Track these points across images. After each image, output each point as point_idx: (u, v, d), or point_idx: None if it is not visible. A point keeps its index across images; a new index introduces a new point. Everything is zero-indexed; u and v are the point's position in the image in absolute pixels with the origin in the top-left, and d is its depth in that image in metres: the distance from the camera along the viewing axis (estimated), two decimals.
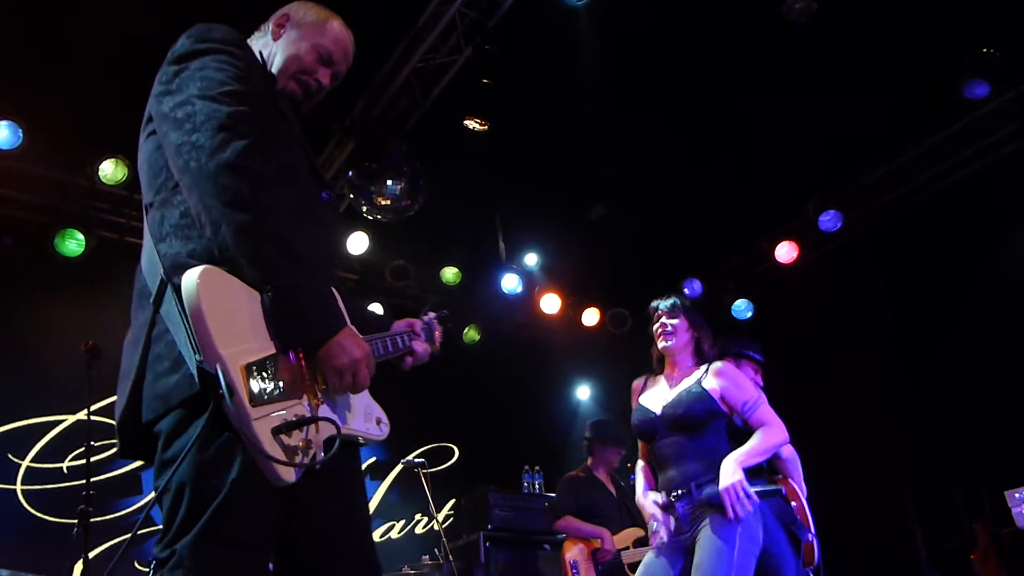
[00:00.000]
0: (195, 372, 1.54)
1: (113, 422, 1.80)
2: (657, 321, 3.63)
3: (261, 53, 2.08)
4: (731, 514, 3.12)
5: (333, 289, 1.86)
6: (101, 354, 4.52)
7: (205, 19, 1.92)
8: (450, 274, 8.08)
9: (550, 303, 8.39)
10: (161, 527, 1.63)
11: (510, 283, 8.13)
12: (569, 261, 8.36)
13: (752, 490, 3.18)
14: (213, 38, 1.85)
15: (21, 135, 5.65)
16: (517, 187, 7.12)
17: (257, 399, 1.56)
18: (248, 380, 1.56)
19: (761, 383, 4.37)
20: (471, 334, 8.20)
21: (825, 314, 7.43)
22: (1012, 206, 6.54)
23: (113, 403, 1.83)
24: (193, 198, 1.67)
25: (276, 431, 1.58)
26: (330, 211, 2.04)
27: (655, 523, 3.37)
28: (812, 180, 7.40)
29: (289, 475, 1.59)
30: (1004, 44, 6.11)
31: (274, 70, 2.06)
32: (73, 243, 6.12)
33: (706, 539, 3.16)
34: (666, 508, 3.37)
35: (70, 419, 6.02)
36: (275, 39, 2.10)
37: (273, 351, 1.64)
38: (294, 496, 1.67)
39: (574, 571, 5.44)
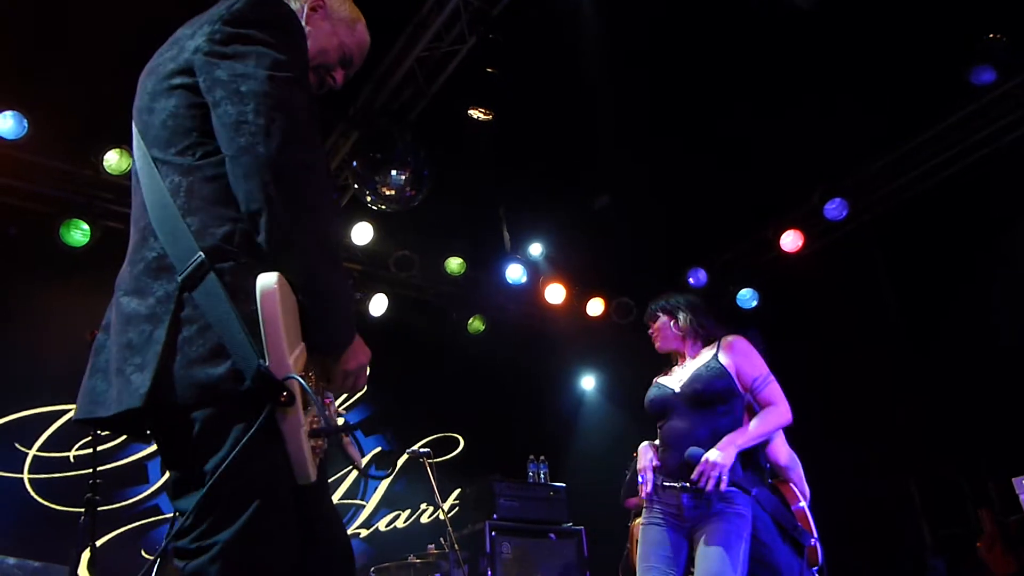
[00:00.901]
0: (245, 371, 1.51)
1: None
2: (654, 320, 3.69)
3: None
4: (702, 483, 3.14)
5: None
6: None
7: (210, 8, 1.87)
8: (454, 264, 8.08)
9: (555, 293, 8.39)
10: (172, 515, 1.64)
11: (515, 273, 8.12)
12: (574, 251, 8.35)
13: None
14: (280, 12, 1.76)
15: (26, 125, 5.65)
16: (521, 177, 7.10)
17: (308, 406, 1.59)
18: (300, 386, 1.55)
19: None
20: (476, 324, 8.20)
21: (830, 303, 7.40)
22: (1019, 193, 6.50)
23: None
24: (249, 184, 1.57)
25: (311, 435, 1.61)
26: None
27: (643, 477, 3.39)
28: (818, 168, 7.37)
29: (314, 472, 1.63)
30: (1011, 30, 6.07)
31: None
32: (78, 233, 6.14)
33: (714, 535, 3.15)
34: (666, 489, 3.34)
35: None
36: (307, 22, 1.99)
37: (307, 354, 1.64)
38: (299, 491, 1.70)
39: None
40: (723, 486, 3.11)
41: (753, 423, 3.31)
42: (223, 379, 1.54)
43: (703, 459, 3.16)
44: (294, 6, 1.98)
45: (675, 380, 3.50)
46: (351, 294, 1.72)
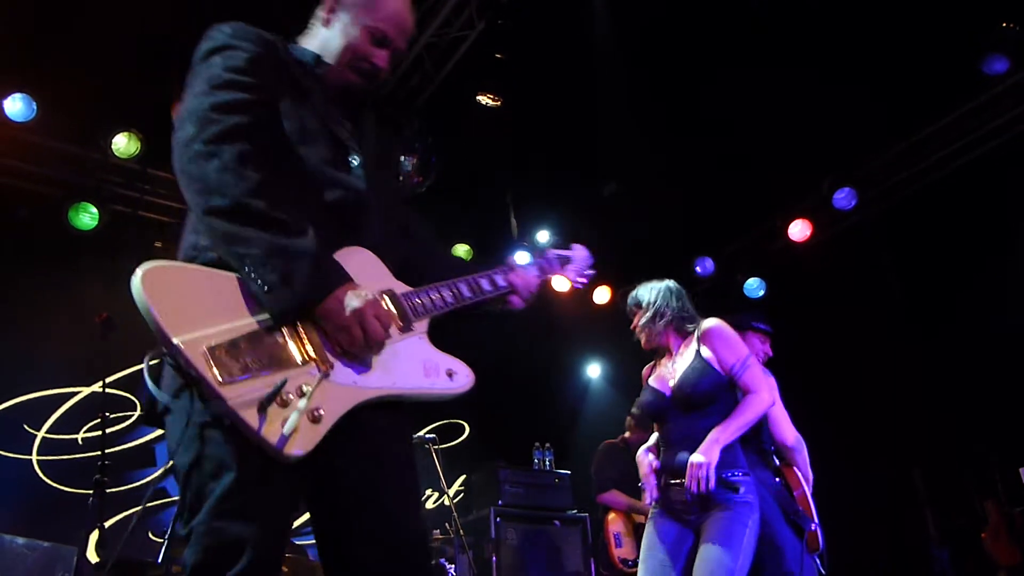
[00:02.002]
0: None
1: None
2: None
3: (316, 53, 2.03)
4: (691, 486, 3.14)
5: (363, 253, 1.86)
6: (115, 326, 4.54)
7: None
8: (461, 251, 8.08)
9: (561, 280, 8.36)
10: (175, 498, 1.68)
11: (521, 260, 8.09)
12: (581, 239, 8.30)
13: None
14: (218, 37, 1.86)
15: (35, 108, 5.66)
16: (529, 164, 7.08)
17: (227, 379, 1.53)
18: (213, 362, 1.53)
19: (770, 353, 4.34)
20: None
21: (838, 293, 7.38)
22: None
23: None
24: (185, 192, 1.71)
25: (262, 406, 1.54)
26: (355, 183, 1.94)
27: (646, 485, 3.40)
28: (827, 157, 7.32)
29: (294, 447, 1.56)
30: None
31: (331, 61, 2.00)
32: (87, 216, 6.15)
33: (717, 526, 3.16)
34: (671, 487, 3.37)
35: (85, 391, 6.08)
36: (327, 27, 2.03)
37: (253, 328, 1.61)
38: (326, 463, 1.68)
39: (618, 543, 5.51)
40: (711, 485, 3.11)
41: (735, 415, 3.29)
42: (170, 375, 1.67)
43: (688, 463, 3.16)
44: (318, 34, 2.06)
45: (665, 382, 3.51)
46: (312, 251, 1.65)
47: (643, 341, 3.64)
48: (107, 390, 4.55)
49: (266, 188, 1.65)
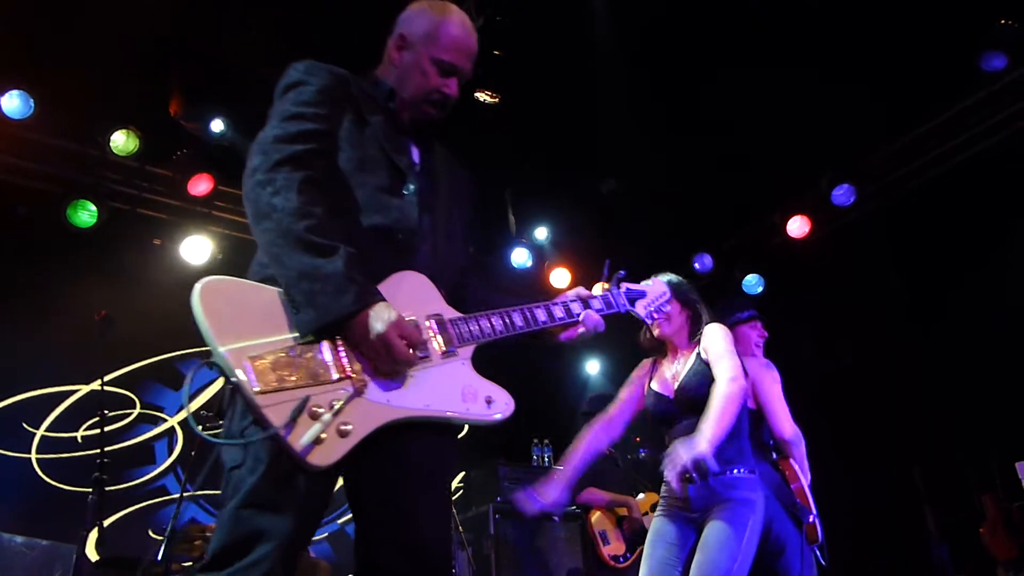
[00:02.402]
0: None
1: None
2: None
3: (390, 88, 2.13)
4: (675, 486, 3.10)
5: (413, 277, 1.94)
6: (114, 324, 4.54)
7: None
8: None
9: (560, 277, 8.37)
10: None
11: (520, 257, 8.11)
12: (579, 235, 8.33)
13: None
14: (292, 75, 2.01)
15: (32, 105, 5.65)
16: (527, 160, 7.07)
17: (265, 387, 1.64)
18: (253, 372, 1.64)
19: (765, 334, 4.29)
20: None
21: (837, 290, 7.38)
22: None
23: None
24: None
25: (293, 417, 1.64)
26: (410, 210, 2.01)
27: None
28: (826, 154, 7.32)
29: (320, 458, 1.66)
30: (1022, 16, 6.00)
31: (405, 96, 2.10)
32: (85, 214, 6.14)
33: (718, 523, 3.15)
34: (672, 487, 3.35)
35: (84, 389, 6.07)
36: (397, 65, 2.14)
37: (294, 343, 1.72)
38: (355, 472, 1.83)
39: (604, 541, 5.51)
40: (714, 467, 2.97)
41: (708, 413, 3.16)
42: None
43: (679, 462, 3.00)
44: (390, 72, 2.15)
45: (668, 385, 3.49)
46: (341, 273, 1.73)
47: (656, 331, 3.54)
48: (106, 388, 4.55)
49: (309, 212, 1.76)
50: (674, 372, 3.49)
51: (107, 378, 4.61)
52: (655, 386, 3.56)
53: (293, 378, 1.67)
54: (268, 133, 1.88)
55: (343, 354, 1.74)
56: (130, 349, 6.28)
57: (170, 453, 6.41)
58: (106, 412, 4.53)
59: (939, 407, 6.52)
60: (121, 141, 6.08)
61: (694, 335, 3.52)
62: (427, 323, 1.92)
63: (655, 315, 2.62)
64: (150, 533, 6.01)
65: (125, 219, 6.53)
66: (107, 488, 4.42)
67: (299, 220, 1.74)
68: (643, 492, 5.66)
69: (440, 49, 2.09)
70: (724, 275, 8.32)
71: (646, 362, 3.72)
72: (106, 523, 4.43)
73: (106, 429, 4.56)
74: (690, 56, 6.10)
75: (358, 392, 1.72)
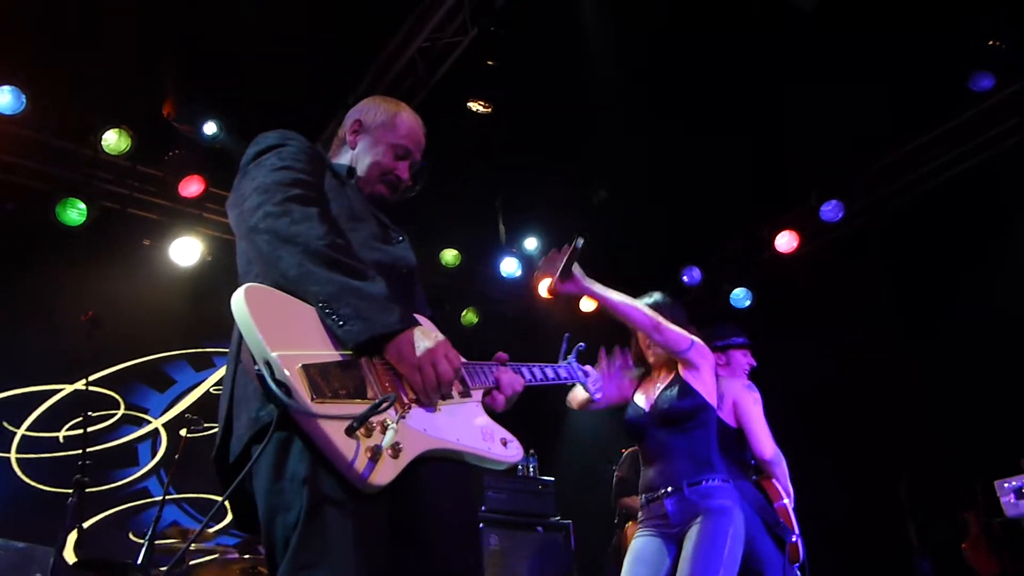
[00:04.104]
0: (260, 387, 1.57)
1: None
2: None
3: (348, 166, 2.24)
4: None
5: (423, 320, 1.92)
6: (101, 324, 4.51)
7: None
8: (449, 256, 8.08)
9: (548, 287, 8.38)
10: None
11: (509, 267, 8.12)
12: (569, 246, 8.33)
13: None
14: (265, 141, 2.01)
15: (24, 101, 5.63)
16: (518, 171, 7.09)
17: (319, 394, 1.56)
18: (307, 378, 1.57)
19: (753, 363, 4.34)
20: (469, 317, 8.20)
21: (824, 304, 7.43)
22: (1014, 198, 6.53)
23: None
24: (251, 250, 1.83)
25: (351, 430, 1.55)
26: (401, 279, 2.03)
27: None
28: (815, 169, 7.38)
29: (378, 477, 1.57)
30: (1010, 37, 6.08)
31: (361, 173, 2.22)
32: (74, 212, 6.11)
33: (697, 535, 3.17)
34: (651, 502, 3.38)
35: (68, 388, 6.03)
36: (353, 147, 2.28)
37: (339, 359, 1.67)
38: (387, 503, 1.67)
39: None
40: (733, 498, 3.13)
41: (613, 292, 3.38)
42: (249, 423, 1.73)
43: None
44: (344, 153, 2.29)
45: (647, 398, 3.54)
46: (384, 294, 1.73)
47: (648, 355, 3.62)
48: (90, 388, 4.51)
49: (334, 239, 1.77)
50: (656, 389, 3.54)
51: (92, 378, 4.57)
52: (638, 399, 3.59)
53: (344, 392, 1.61)
54: (265, 179, 1.86)
55: (383, 377, 1.71)
56: (116, 349, 6.25)
57: (153, 455, 6.36)
58: (90, 412, 4.49)
59: (924, 422, 6.56)
60: (113, 140, 6.06)
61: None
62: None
63: (598, 396, 2.74)
64: (131, 536, 5.95)
65: (115, 219, 6.50)
66: (88, 489, 4.37)
67: (328, 244, 1.74)
68: None
69: (396, 136, 2.27)
70: (712, 288, 8.35)
71: (635, 378, 3.74)
72: (86, 525, 4.38)
73: (89, 429, 4.51)
74: (682, 70, 6.14)
75: (402, 416, 1.67)
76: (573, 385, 2.60)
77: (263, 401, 1.66)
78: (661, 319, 3.38)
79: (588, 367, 2.68)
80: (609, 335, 3.68)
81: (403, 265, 2.02)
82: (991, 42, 6.12)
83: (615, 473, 6.04)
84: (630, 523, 5.63)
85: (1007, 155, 6.61)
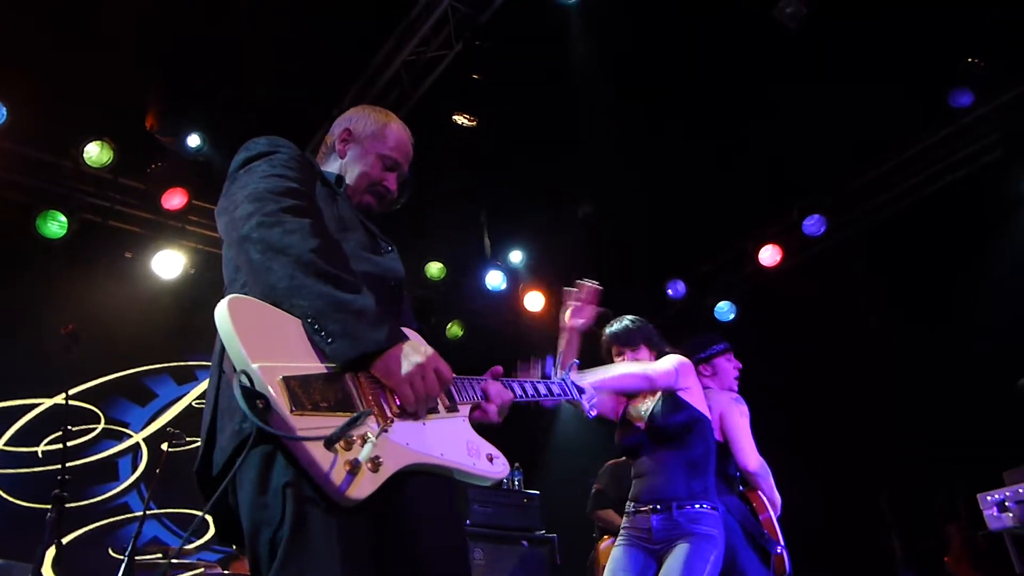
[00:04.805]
0: (240, 399, 1.52)
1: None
2: (619, 355, 3.66)
3: (337, 174, 2.23)
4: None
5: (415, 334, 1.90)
6: (80, 339, 4.47)
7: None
8: (434, 269, 8.07)
9: (534, 301, 8.39)
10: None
11: (494, 280, 8.12)
12: (554, 259, 8.36)
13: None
14: (255, 148, 2.00)
15: (5, 113, 5.59)
16: (503, 184, 7.11)
17: (299, 407, 1.55)
18: (287, 390, 1.56)
19: (739, 365, 4.34)
20: (454, 330, 8.18)
21: (808, 318, 7.47)
22: (994, 213, 6.61)
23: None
24: (240, 259, 1.78)
25: (329, 443, 1.54)
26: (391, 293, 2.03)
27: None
28: (798, 184, 7.44)
29: (356, 491, 1.55)
30: (989, 54, 6.18)
31: (350, 183, 2.22)
32: (55, 225, 6.06)
33: (680, 554, 3.17)
34: (637, 514, 3.38)
35: (47, 402, 5.96)
36: (342, 157, 2.28)
37: (322, 371, 1.65)
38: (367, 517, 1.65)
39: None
40: (718, 518, 3.09)
41: (606, 369, 3.35)
42: (231, 435, 1.70)
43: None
44: (333, 161, 2.28)
45: (640, 415, 3.53)
46: (372, 308, 1.72)
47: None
48: (70, 402, 4.46)
49: (327, 252, 1.75)
50: (647, 407, 3.53)
51: (72, 392, 4.51)
52: (630, 416, 3.59)
53: (325, 405, 1.59)
54: (256, 187, 1.83)
55: (367, 391, 1.69)
56: (96, 363, 6.18)
57: (134, 470, 6.29)
58: (69, 427, 4.43)
59: (907, 434, 6.60)
60: (95, 152, 6.02)
61: None
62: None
63: (593, 413, 2.71)
64: (110, 552, 5.87)
65: (96, 231, 6.45)
66: (67, 505, 4.31)
67: (320, 257, 1.72)
68: None
69: (385, 147, 2.27)
70: (697, 301, 8.38)
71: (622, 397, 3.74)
72: (64, 541, 4.32)
73: (69, 444, 4.45)
74: (667, 85, 6.18)
75: (383, 430, 1.65)
76: (577, 404, 2.57)
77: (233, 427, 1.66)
78: (648, 369, 3.38)
79: (585, 384, 2.65)
80: (593, 348, 3.69)
81: (392, 277, 2.01)
82: (970, 59, 6.21)
83: (594, 485, 6.04)
84: (605, 536, 5.62)
85: (988, 169, 6.69)
